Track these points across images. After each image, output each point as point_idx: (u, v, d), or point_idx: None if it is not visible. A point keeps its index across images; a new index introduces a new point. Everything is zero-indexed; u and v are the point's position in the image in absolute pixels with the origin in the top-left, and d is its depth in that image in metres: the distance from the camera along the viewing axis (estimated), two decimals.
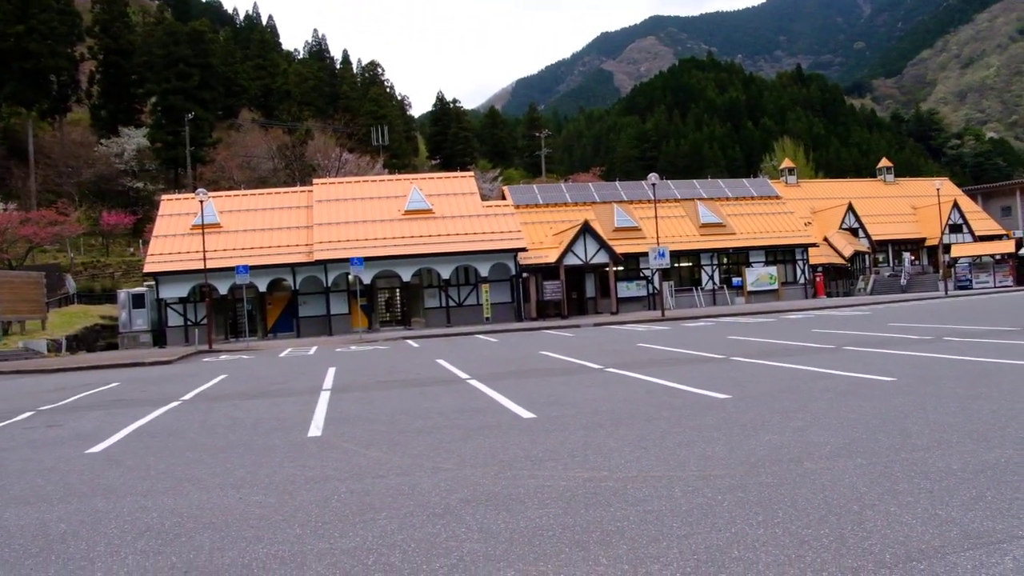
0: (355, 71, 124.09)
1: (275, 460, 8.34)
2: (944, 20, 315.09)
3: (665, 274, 45.28)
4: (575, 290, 47.33)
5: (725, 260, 51.42)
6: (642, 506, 5.61)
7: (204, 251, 37.28)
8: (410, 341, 32.11)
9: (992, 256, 54.23)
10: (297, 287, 42.59)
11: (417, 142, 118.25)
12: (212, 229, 41.70)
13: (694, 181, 59.73)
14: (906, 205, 67.37)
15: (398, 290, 46.39)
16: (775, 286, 50.88)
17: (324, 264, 41.80)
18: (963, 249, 56.90)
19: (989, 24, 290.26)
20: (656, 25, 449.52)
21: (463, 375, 16.11)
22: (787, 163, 75.30)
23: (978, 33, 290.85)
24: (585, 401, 11.41)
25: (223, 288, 40.98)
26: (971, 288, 51.66)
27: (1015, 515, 4.94)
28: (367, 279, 41.15)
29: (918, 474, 6.02)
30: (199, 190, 38.98)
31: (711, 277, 50.94)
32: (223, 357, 29.16)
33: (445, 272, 43.28)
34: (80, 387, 18.84)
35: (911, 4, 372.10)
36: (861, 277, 57.23)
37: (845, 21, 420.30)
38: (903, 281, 55.55)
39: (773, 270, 51.27)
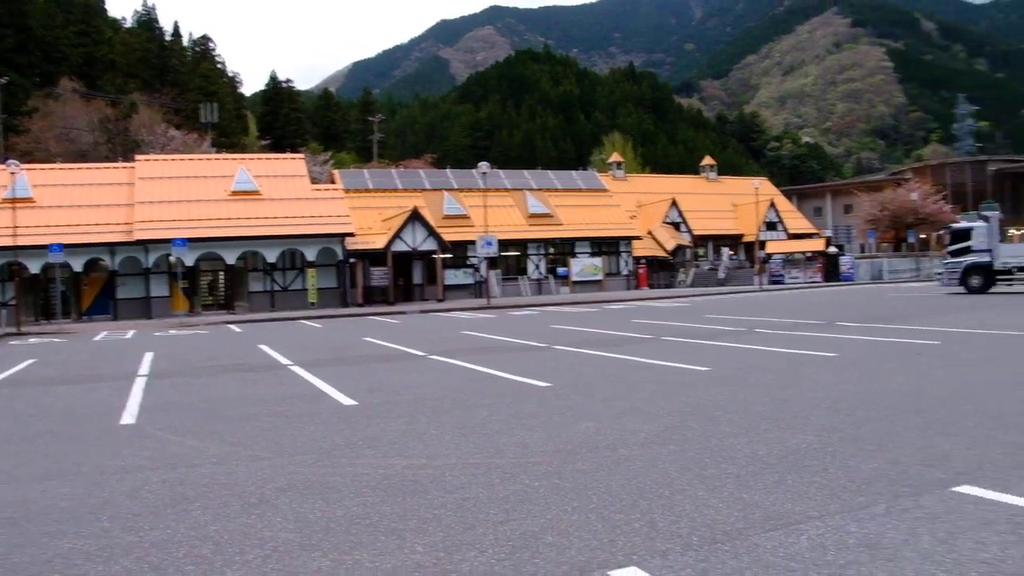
0: (185, 44, 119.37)
1: (84, 449, 7.99)
2: (769, 29, 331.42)
3: (492, 263, 45.75)
4: (402, 276, 47.09)
5: (552, 250, 52.16)
6: (459, 493, 5.63)
7: (15, 227, 35.21)
8: (233, 326, 31.41)
9: (803, 253, 57.00)
10: (115, 268, 40.78)
11: (247, 121, 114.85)
12: (24, 204, 39.36)
13: (524, 172, 60.28)
14: (727, 202, 70.08)
15: (222, 273, 45.07)
16: (599, 277, 52.07)
17: (145, 244, 40.19)
18: (777, 246, 59.55)
19: (809, 36, 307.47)
20: (495, 15, 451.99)
21: (285, 361, 15.86)
22: (616, 157, 77.00)
23: (799, 43, 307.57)
24: (407, 388, 11.41)
25: (35, 267, 38.83)
26: (783, 283, 54.16)
27: (811, 497, 5.21)
28: (190, 261, 39.86)
29: (726, 460, 6.27)
30: (10, 161, 36.89)
31: (537, 267, 51.60)
32: (32, 340, 27.77)
33: (271, 256, 42.35)
34: None
35: (740, 11, 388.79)
36: (682, 270, 59.10)
37: (678, 23, 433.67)
38: (721, 275, 57.72)
39: (598, 261, 52.44)
